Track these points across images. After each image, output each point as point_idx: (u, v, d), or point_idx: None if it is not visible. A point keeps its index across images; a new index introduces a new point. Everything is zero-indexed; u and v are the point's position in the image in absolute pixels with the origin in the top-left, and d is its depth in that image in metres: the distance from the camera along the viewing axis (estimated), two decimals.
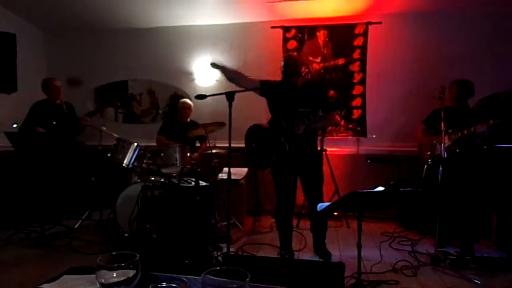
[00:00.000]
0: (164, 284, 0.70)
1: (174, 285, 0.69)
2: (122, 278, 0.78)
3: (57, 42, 5.40)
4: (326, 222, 3.22)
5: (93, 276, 0.79)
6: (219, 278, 0.69)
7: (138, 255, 0.80)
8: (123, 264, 0.78)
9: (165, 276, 0.76)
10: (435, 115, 3.61)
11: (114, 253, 0.82)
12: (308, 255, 3.20)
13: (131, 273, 0.79)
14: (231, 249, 3.08)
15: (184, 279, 0.72)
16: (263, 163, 3.09)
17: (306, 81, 3.10)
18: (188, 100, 4.45)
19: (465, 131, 3.22)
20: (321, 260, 3.01)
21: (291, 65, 3.00)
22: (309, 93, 3.03)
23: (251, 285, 0.73)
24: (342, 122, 4.61)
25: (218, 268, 0.70)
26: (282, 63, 3.04)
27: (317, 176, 3.12)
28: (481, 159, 3.41)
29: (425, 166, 3.57)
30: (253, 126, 3.18)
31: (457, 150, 3.27)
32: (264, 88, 3.07)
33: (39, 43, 5.34)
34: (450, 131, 3.28)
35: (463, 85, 3.44)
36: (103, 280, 0.77)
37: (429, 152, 3.57)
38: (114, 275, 0.78)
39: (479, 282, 2.60)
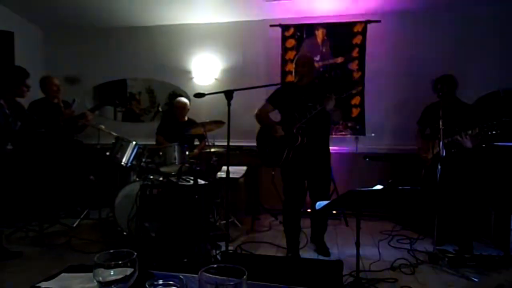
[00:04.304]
0: (160, 282, 0.70)
1: (171, 282, 0.69)
2: (119, 276, 0.77)
3: (56, 40, 5.39)
4: (326, 222, 3.23)
5: (91, 274, 0.79)
6: (216, 276, 0.69)
7: (135, 253, 0.80)
8: (120, 262, 0.78)
9: (163, 274, 0.76)
10: (426, 113, 3.62)
11: (111, 251, 0.82)
12: (308, 254, 3.20)
13: (128, 271, 0.79)
14: (230, 248, 3.08)
15: (181, 277, 0.72)
16: (274, 160, 3.07)
17: (313, 81, 3.11)
18: (182, 99, 4.41)
19: (450, 139, 3.15)
20: (319, 258, 3.01)
21: (307, 64, 3.03)
22: (319, 90, 3.02)
23: (249, 283, 0.73)
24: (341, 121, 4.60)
25: (215, 265, 0.70)
26: (299, 62, 3.04)
27: (326, 177, 3.09)
28: (479, 158, 3.41)
29: (423, 170, 3.56)
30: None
31: (453, 150, 3.23)
32: (274, 101, 3.12)
33: (38, 41, 5.32)
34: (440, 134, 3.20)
35: (445, 80, 3.37)
36: (100, 278, 0.77)
37: (425, 155, 3.55)
38: (112, 273, 0.78)
39: (476, 280, 2.61)
